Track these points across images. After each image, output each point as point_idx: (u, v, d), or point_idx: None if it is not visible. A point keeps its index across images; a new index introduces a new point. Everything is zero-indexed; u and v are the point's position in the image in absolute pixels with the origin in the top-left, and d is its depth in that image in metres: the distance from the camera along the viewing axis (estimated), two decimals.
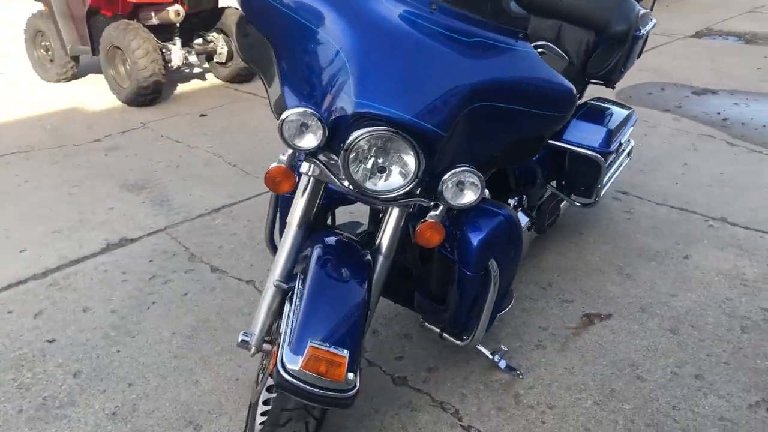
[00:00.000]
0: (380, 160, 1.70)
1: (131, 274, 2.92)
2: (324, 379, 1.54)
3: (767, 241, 3.16)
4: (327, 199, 2.14)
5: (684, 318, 2.60)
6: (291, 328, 1.63)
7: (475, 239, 1.89)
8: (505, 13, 1.85)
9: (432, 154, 1.69)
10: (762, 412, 2.15)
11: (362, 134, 1.64)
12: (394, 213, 1.86)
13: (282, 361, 1.56)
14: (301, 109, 1.66)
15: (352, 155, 1.67)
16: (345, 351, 1.58)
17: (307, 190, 1.84)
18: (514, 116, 1.84)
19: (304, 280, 1.76)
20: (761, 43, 7.17)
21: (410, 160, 1.67)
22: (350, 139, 1.65)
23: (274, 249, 2.33)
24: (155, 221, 3.38)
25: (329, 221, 2.28)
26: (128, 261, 3.02)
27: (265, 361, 1.94)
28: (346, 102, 1.67)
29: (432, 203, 1.80)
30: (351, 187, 1.79)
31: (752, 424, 2.10)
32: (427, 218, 1.81)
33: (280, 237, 2.29)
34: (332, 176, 1.79)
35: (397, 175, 1.71)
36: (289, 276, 1.86)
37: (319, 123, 1.67)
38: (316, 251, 1.80)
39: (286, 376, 1.54)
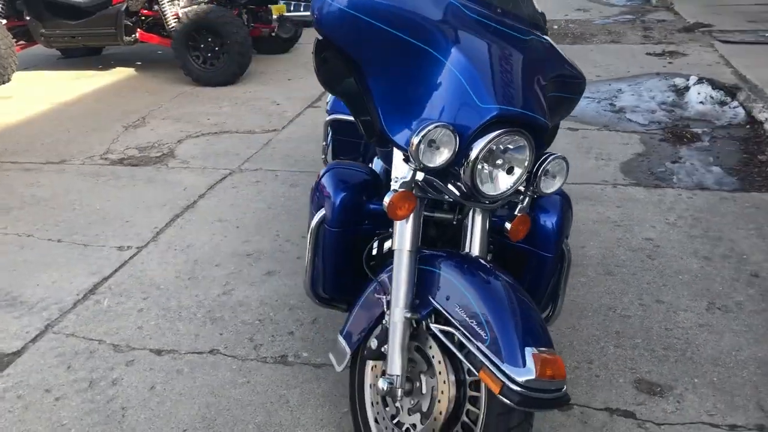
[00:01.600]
0: (499, 162, 1.72)
1: (59, 389, 2.34)
2: (554, 381, 1.54)
3: (594, 189, 3.80)
4: (373, 225, 2.06)
5: (607, 262, 3.04)
6: (486, 346, 1.56)
7: (551, 222, 1.99)
8: (535, 11, 2.00)
9: (539, 147, 1.77)
10: (717, 311, 2.66)
11: (492, 138, 1.65)
12: (478, 216, 1.88)
13: (511, 378, 1.50)
14: (434, 125, 1.60)
15: (479, 162, 1.67)
16: (554, 349, 1.59)
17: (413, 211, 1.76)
18: (558, 103, 2.00)
19: (448, 298, 1.69)
20: None
21: (525, 156, 1.73)
22: (481, 145, 1.65)
23: (320, 300, 2.13)
24: (26, 324, 2.71)
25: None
26: (38, 376, 2.40)
27: (404, 401, 1.79)
28: (468, 110, 1.66)
29: (520, 196, 1.87)
30: (461, 196, 1.77)
31: (720, 322, 2.59)
32: (516, 213, 1.87)
33: (322, 288, 2.10)
34: (445, 187, 1.75)
35: (512, 173, 1.74)
36: (413, 305, 1.75)
37: (452, 136, 1.63)
38: (450, 267, 1.73)
39: (524, 391, 1.50)
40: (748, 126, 4.75)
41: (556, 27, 8.54)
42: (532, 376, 1.50)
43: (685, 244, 3.17)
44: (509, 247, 2.02)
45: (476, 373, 1.58)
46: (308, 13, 2.00)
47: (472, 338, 1.60)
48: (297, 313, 2.73)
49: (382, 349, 1.78)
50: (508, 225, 1.86)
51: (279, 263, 3.10)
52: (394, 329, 1.74)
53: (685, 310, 2.67)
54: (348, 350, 1.94)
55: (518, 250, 2.03)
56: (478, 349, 1.58)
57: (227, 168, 4.32)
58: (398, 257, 1.77)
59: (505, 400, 1.51)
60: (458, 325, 1.64)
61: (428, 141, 1.61)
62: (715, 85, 5.39)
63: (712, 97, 5.16)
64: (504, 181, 1.73)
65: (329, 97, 3.09)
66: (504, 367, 1.52)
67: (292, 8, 1.93)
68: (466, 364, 1.62)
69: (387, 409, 1.87)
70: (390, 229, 2.06)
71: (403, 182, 1.67)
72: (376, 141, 1.82)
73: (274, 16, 1.95)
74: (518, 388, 1.49)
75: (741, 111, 4.94)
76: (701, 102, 5.12)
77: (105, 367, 2.44)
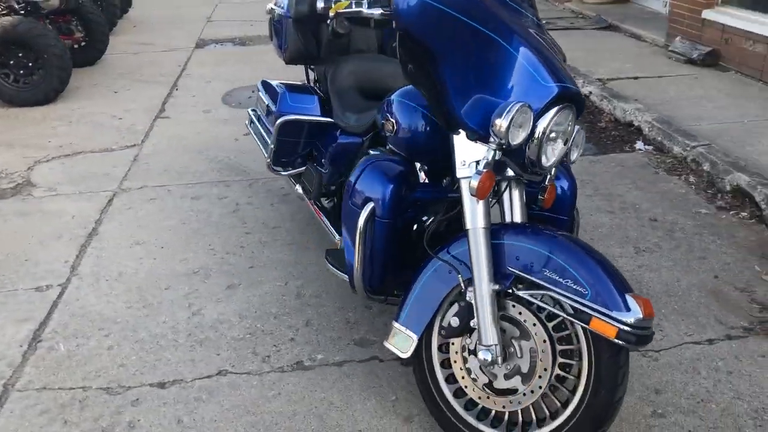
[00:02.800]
0: (552, 135, 1.89)
1: None
2: (650, 320, 1.75)
3: None
4: (415, 212, 2.14)
5: None
6: (588, 300, 1.73)
7: (567, 188, 2.22)
8: None
9: (577, 119, 1.98)
10: (644, 254, 3.10)
11: (555, 114, 1.82)
12: (516, 189, 2.04)
13: (622, 322, 1.69)
14: (519, 105, 1.73)
15: (546, 136, 1.83)
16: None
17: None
18: None
19: (531, 265, 1.83)
20: (252, 44, 8.15)
21: (571, 128, 1.93)
22: (546, 121, 1.82)
23: (368, 294, 2.14)
24: None
25: None
26: None
27: (501, 368, 1.89)
28: (533, 90, 1.82)
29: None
30: (521, 169, 1.91)
31: (652, 261, 3.03)
32: (547, 184, 2.07)
33: (369, 281, 2.10)
34: (511, 163, 1.88)
35: (565, 145, 1.93)
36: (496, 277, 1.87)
37: (530, 115, 1.77)
38: (521, 236, 1.88)
39: (636, 331, 1.69)
40: None
41: None
42: (640, 316, 1.70)
43: (587, 203, 3.61)
44: (529, 215, 2.21)
45: (586, 325, 1.74)
46: (360, 9, 1.98)
47: (571, 296, 1.76)
48: (284, 319, 2.67)
49: (471, 324, 1.88)
50: (541, 196, 2.05)
51: (234, 276, 2.98)
52: (482, 303, 1.85)
53: (621, 257, 3.07)
54: (415, 335, 2.00)
55: (537, 217, 2.23)
56: (581, 303, 1.74)
57: (106, 190, 3.96)
58: (474, 235, 1.87)
59: (621, 342, 1.69)
60: (551, 287, 1.79)
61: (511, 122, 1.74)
62: None
63: None
64: (557, 153, 1.91)
65: (268, 100, 3.03)
66: (613, 314, 1.70)
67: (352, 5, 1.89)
68: (574, 321, 1.77)
69: (473, 378, 1.96)
70: (428, 214, 2.16)
71: (487, 163, 1.78)
72: (446, 126, 1.90)
73: (331, 14, 1.89)
74: (631, 329, 1.69)
75: None
76: None
77: (109, 412, 2.21)
